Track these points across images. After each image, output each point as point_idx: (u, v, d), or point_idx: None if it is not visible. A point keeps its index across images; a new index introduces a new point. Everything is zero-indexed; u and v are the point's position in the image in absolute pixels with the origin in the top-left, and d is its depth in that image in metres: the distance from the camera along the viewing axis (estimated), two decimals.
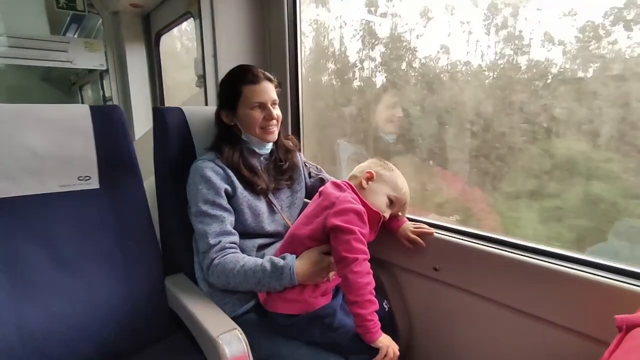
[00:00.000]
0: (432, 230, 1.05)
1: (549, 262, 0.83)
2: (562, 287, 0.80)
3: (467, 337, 1.03)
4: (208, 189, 0.98)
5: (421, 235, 1.05)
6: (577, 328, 0.79)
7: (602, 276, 0.75)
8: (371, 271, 0.88)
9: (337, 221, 0.88)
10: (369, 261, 0.89)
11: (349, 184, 0.99)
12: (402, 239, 1.07)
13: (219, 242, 0.95)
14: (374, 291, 0.86)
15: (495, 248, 0.92)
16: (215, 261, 0.93)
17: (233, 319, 0.91)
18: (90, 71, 3.49)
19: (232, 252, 0.95)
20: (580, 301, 0.78)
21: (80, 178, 1.00)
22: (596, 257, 0.80)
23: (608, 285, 0.74)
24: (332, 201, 0.93)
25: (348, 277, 0.85)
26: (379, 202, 0.98)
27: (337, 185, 0.99)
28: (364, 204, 0.95)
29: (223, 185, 0.99)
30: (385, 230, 1.09)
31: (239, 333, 0.82)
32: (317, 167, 1.28)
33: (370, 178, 1.00)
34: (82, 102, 4.19)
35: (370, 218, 0.95)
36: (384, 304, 1.09)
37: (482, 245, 0.95)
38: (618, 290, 0.73)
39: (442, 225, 1.08)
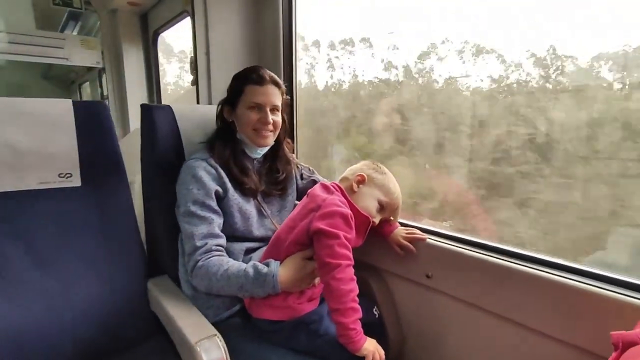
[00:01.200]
0: (425, 236, 1.02)
1: (545, 272, 0.79)
2: (559, 298, 0.76)
3: (459, 347, 0.99)
4: (198, 189, 0.95)
5: (413, 241, 1.02)
6: (573, 341, 0.75)
7: (600, 287, 0.72)
8: (355, 277, 0.84)
9: (321, 224, 0.85)
10: (360, 266, 0.85)
11: (338, 187, 0.96)
12: (394, 245, 1.04)
13: (205, 244, 0.92)
14: (357, 299, 0.83)
15: (489, 256, 0.89)
16: (199, 263, 0.90)
17: (218, 323, 0.88)
18: (90, 69, 3.49)
19: (217, 255, 0.92)
20: (577, 313, 0.74)
21: (61, 175, 0.97)
22: (594, 267, 0.77)
23: (606, 297, 0.70)
24: (318, 204, 0.90)
25: (330, 283, 0.82)
26: (370, 206, 0.95)
27: (325, 188, 0.96)
28: (353, 208, 0.92)
29: (214, 187, 0.96)
30: (377, 235, 1.06)
31: (218, 340, 0.79)
32: (309, 169, 1.25)
33: (361, 181, 0.97)
34: (81, 99, 4.17)
35: (358, 223, 0.91)
36: (373, 309, 1.06)
37: (477, 252, 0.92)
38: (617, 303, 0.69)
39: (435, 231, 1.05)
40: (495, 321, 0.88)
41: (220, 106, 1.08)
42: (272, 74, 1.04)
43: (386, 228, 1.05)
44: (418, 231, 1.04)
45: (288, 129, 1.47)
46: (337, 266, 0.81)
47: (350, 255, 0.85)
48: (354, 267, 0.86)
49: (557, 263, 0.81)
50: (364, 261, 1.15)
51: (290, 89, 1.47)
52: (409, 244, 1.01)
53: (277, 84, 1.03)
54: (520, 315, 0.83)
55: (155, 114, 1.07)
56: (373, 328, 1.02)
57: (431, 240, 1.01)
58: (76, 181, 0.99)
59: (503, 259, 0.86)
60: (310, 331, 0.90)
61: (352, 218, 0.88)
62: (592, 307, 0.72)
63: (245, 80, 1.02)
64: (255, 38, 1.51)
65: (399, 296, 1.12)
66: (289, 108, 1.48)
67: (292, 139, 1.50)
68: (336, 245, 0.83)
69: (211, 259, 0.90)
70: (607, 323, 0.70)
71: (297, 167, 1.22)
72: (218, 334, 0.80)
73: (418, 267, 1.03)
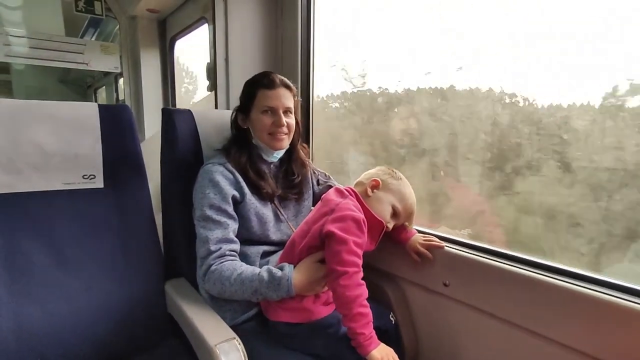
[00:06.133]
0: (443, 244, 1.01)
1: (568, 282, 0.78)
2: (582, 310, 0.75)
3: (476, 357, 0.98)
4: (215, 193, 0.95)
5: (431, 248, 1.01)
6: (597, 355, 0.73)
7: (627, 300, 0.70)
8: (362, 283, 0.84)
9: (333, 228, 0.85)
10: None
11: (353, 191, 0.97)
12: (411, 252, 1.03)
13: (219, 248, 0.92)
14: (366, 303, 0.82)
15: (509, 265, 0.88)
16: (212, 267, 0.90)
17: (234, 327, 0.88)
18: (106, 74, 3.57)
19: (231, 260, 0.92)
20: (601, 326, 0.73)
21: (85, 177, 0.99)
22: (620, 279, 0.75)
23: (630, 309, 0.69)
24: (332, 207, 0.90)
25: (336, 290, 0.82)
26: (383, 211, 0.95)
27: (339, 192, 0.96)
28: (367, 212, 0.92)
29: (231, 191, 0.97)
30: (394, 242, 1.05)
31: (237, 343, 0.79)
32: (325, 175, 1.25)
33: (375, 186, 0.97)
34: None
35: (372, 227, 0.91)
36: (390, 316, 1.05)
37: (496, 261, 0.90)
38: None
39: (453, 239, 1.04)
40: (515, 332, 0.87)
41: (234, 113, 1.09)
42: (283, 78, 1.05)
43: (403, 235, 1.04)
44: (436, 239, 1.03)
45: (302, 132, 1.50)
46: (343, 273, 0.81)
47: (359, 261, 0.85)
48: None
49: (581, 274, 0.80)
50: (380, 268, 1.15)
51: (307, 95, 1.48)
52: (426, 251, 1.01)
53: (288, 87, 1.04)
54: (542, 326, 0.82)
55: (176, 118, 1.09)
56: (390, 335, 1.02)
57: (449, 247, 1.00)
58: (99, 183, 1.01)
59: (524, 269, 0.85)
60: (328, 335, 0.90)
61: (364, 223, 0.88)
62: (619, 321, 0.70)
63: (257, 85, 1.03)
64: (274, 44, 1.53)
65: (415, 304, 1.11)
66: (304, 111, 1.49)
67: (308, 144, 1.51)
68: (344, 252, 0.83)
69: (224, 263, 0.91)
70: (631, 336, 0.69)
71: (314, 172, 1.22)
72: (237, 337, 0.80)
73: (435, 275, 1.02)
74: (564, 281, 0.78)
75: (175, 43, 2.30)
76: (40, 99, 0.97)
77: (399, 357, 0.85)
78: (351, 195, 0.95)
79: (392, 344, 0.87)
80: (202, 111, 1.17)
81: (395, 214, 0.97)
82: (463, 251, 0.97)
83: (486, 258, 0.92)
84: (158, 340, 1.03)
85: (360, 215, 0.88)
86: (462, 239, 1.04)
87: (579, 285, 0.76)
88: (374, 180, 0.97)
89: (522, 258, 0.90)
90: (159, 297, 1.04)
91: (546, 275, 0.81)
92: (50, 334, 0.88)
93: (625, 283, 0.74)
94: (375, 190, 0.97)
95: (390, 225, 0.97)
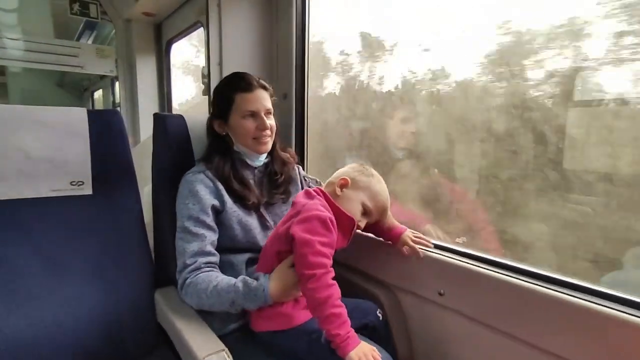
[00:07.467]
0: (431, 242, 1.01)
1: (565, 294, 0.76)
2: (581, 322, 0.73)
3: None
4: (194, 204, 0.93)
5: (420, 245, 1.00)
6: None
7: (628, 313, 0.68)
8: (333, 283, 0.81)
9: (297, 230, 0.83)
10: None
11: (321, 191, 0.94)
12: (401, 248, 1.02)
13: (195, 261, 0.90)
14: (338, 303, 0.79)
15: (507, 275, 0.86)
16: (188, 281, 0.88)
17: (221, 336, 0.86)
18: (103, 77, 3.56)
19: (206, 272, 0.90)
20: (604, 340, 0.70)
21: (73, 183, 0.97)
22: (625, 292, 0.73)
23: (631, 323, 0.67)
24: (298, 210, 0.88)
25: (306, 293, 0.81)
26: (353, 210, 0.93)
27: (307, 193, 0.94)
28: (337, 210, 0.90)
29: (211, 201, 0.94)
30: (385, 239, 1.04)
31: (225, 355, 0.77)
32: (316, 181, 1.23)
33: (344, 185, 0.94)
34: (93, 107, 4.24)
35: (342, 224, 0.90)
36: (377, 312, 1.02)
37: (493, 271, 0.89)
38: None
39: (448, 247, 1.03)
40: (511, 343, 0.85)
41: (209, 120, 1.06)
42: (258, 78, 1.02)
43: (394, 231, 1.03)
44: (425, 237, 1.03)
45: (296, 136, 1.48)
46: (311, 276, 0.79)
47: (328, 262, 0.82)
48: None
49: (578, 285, 0.78)
50: (374, 276, 1.13)
51: (302, 99, 1.47)
52: (416, 246, 0.99)
53: (265, 88, 1.02)
54: (539, 337, 0.80)
55: (168, 123, 1.08)
56: (377, 332, 0.99)
57: (443, 256, 0.98)
58: (87, 189, 0.99)
59: (521, 279, 0.83)
60: (312, 341, 0.87)
61: (332, 221, 0.86)
62: (613, 332, 0.68)
63: (234, 89, 0.99)
64: (268, 48, 1.52)
65: (409, 313, 1.09)
66: (299, 115, 1.48)
67: (303, 148, 1.49)
68: (309, 255, 0.80)
69: (199, 275, 0.88)
70: (631, 349, 0.67)
71: (304, 179, 1.20)
72: (226, 349, 0.78)
73: (430, 283, 1.00)
74: (565, 293, 0.76)
75: (171, 47, 2.28)
76: (36, 102, 0.95)
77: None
78: (319, 195, 0.93)
79: (381, 340, 0.84)
80: (195, 116, 1.16)
81: (366, 212, 0.95)
82: (458, 260, 0.96)
83: (482, 267, 0.91)
84: (148, 351, 1.01)
85: (327, 214, 0.86)
86: (457, 247, 1.02)
87: (577, 297, 0.74)
88: (342, 179, 0.95)
89: (518, 267, 0.88)
90: (148, 306, 1.02)
91: (546, 287, 0.79)
92: (33, 343, 0.86)
93: (624, 295, 0.72)
94: (344, 189, 0.94)
95: (362, 224, 0.95)
